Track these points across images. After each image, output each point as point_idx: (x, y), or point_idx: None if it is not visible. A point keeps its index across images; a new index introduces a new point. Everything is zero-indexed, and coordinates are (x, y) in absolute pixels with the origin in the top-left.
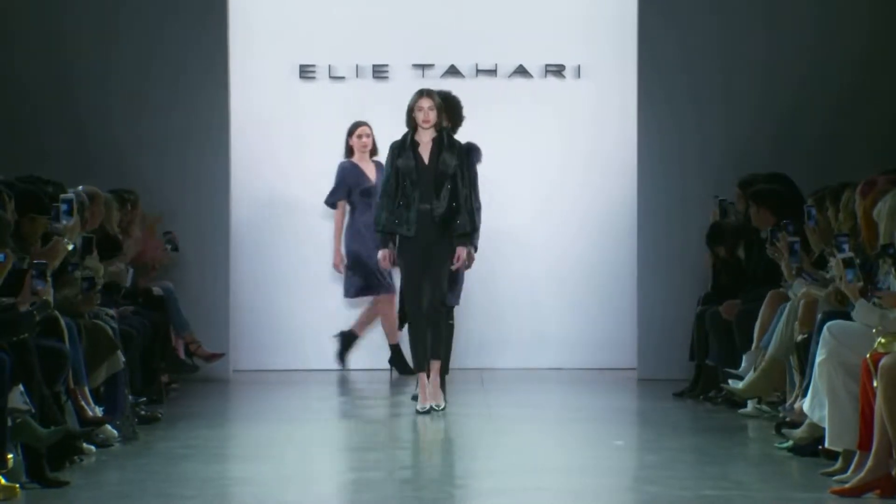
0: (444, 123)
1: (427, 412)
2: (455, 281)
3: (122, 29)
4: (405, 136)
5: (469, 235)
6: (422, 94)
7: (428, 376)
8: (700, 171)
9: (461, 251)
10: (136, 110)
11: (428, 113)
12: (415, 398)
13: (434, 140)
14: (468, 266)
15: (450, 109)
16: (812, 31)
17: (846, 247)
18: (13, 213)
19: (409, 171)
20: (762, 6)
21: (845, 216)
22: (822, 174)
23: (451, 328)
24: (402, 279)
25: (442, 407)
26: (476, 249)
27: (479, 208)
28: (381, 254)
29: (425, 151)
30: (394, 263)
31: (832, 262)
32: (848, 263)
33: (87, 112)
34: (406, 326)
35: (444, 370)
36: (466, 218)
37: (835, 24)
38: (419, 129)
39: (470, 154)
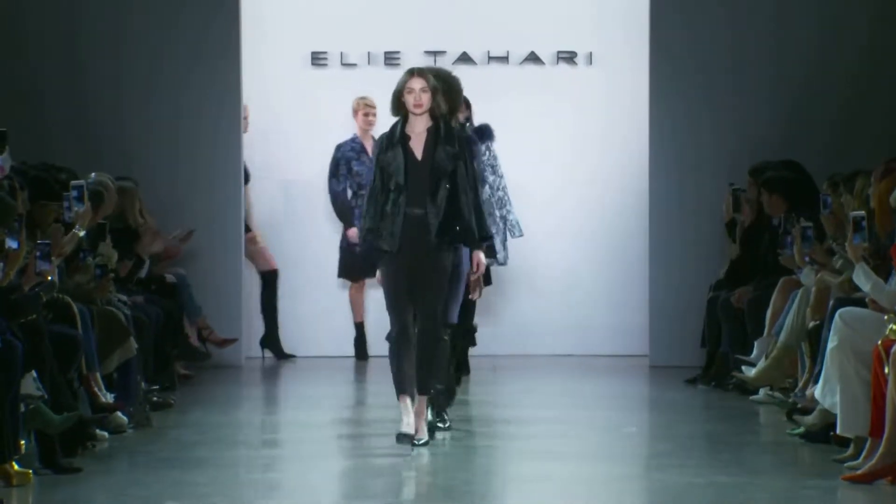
0: (443, 108)
1: (408, 439)
2: (454, 296)
3: (135, 17)
4: (394, 127)
5: (478, 240)
6: (412, 73)
7: (412, 401)
8: (712, 159)
9: (477, 257)
10: (148, 98)
11: (420, 96)
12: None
13: (429, 130)
14: (478, 286)
15: (447, 91)
16: (821, 18)
17: (864, 224)
18: (25, 203)
19: (396, 169)
20: None
21: (859, 203)
22: (835, 161)
23: (446, 347)
24: (384, 295)
25: (423, 441)
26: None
27: (491, 213)
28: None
29: (418, 145)
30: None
31: (838, 252)
32: (857, 226)
33: (98, 99)
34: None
35: (456, 381)
36: (472, 221)
37: (844, 8)
38: (410, 116)
39: (471, 145)
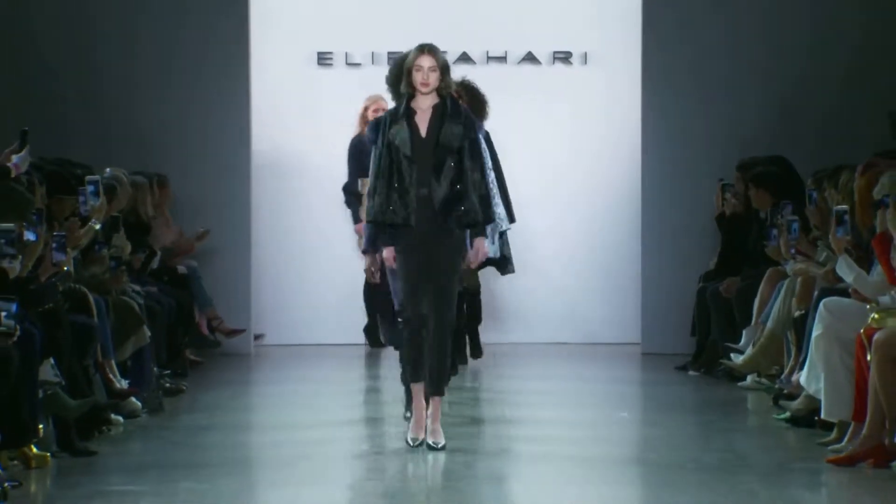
0: (451, 88)
1: (419, 445)
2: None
3: (147, 19)
4: (398, 104)
5: (481, 225)
6: (422, 49)
7: (426, 401)
8: (702, 155)
9: (479, 243)
10: (160, 96)
11: (428, 74)
12: (407, 418)
13: (435, 107)
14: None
15: (471, 102)
16: (811, 18)
17: (847, 218)
18: (43, 198)
19: (403, 143)
20: None
21: (843, 197)
22: (820, 157)
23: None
24: (398, 282)
25: (441, 445)
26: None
27: (495, 195)
28: (386, 253)
29: (423, 121)
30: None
31: (822, 244)
32: (840, 219)
33: (112, 98)
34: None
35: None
36: (475, 204)
37: (832, 13)
38: (417, 94)
39: (477, 127)
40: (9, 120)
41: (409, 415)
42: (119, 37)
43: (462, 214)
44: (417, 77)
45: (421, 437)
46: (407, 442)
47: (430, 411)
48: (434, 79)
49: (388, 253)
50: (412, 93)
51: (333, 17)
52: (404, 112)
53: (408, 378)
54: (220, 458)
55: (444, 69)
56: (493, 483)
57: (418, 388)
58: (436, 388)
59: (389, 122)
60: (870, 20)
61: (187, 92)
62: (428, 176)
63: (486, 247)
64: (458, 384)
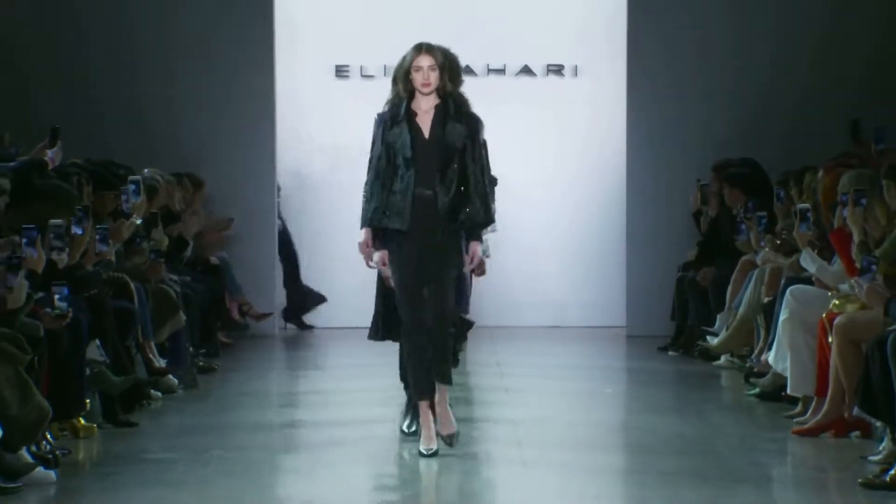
0: (449, 88)
1: (434, 454)
2: (461, 284)
3: (183, 33)
4: (398, 104)
5: (482, 226)
6: (420, 49)
7: (433, 408)
8: (681, 157)
9: (475, 247)
10: (195, 104)
11: (428, 74)
12: (414, 433)
13: (437, 108)
14: (481, 272)
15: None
16: (777, 34)
17: (809, 215)
18: (89, 195)
19: (402, 145)
20: (734, 14)
21: (807, 195)
22: (787, 159)
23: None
24: (395, 285)
25: (451, 440)
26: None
27: (492, 192)
28: (376, 256)
29: (425, 122)
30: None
31: (788, 238)
32: (803, 216)
33: (152, 105)
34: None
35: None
36: (479, 206)
37: (799, 24)
38: (416, 94)
39: (479, 125)
40: (61, 125)
41: (408, 430)
42: (159, 50)
43: (465, 217)
44: (418, 77)
45: (434, 447)
46: (420, 452)
47: (437, 398)
48: (434, 78)
49: (379, 256)
50: (411, 92)
51: (350, 33)
52: (405, 114)
53: (414, 396)
54: (248, 429)
55: (443, 68)
56: (489, 443)
57: (425, 405)
58: (441, 378)
59: (389, 125)
60: (833, 34)
61: (219, 100)
62: (432, 177)
63: (479, 251)
64: (466, 367)
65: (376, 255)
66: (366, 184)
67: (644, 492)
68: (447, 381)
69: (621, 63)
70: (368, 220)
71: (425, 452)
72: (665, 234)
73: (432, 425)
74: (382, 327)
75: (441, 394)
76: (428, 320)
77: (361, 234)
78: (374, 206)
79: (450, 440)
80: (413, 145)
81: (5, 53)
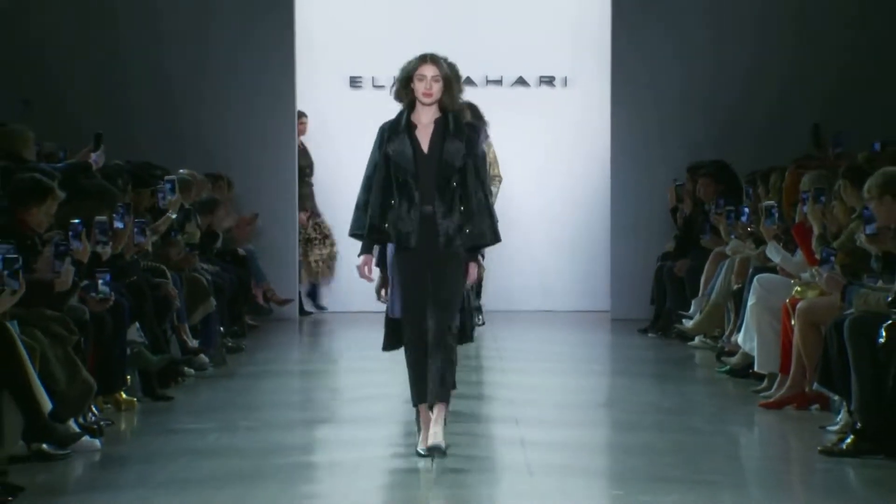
0: (455, 103)
1: (429, 455)
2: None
3: (211, 45)
4: (399, 116)
5: (488, 246)
6: (425, 58)
7: (432, 408)
8: (660, 159)
9: (473, 269)
10: (223, 109)
11: (431, 84)
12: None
13: (437, 122)
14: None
15: (473, 117)
16: (748, 49)
17: (775, 211)
18: (129, 193)
19: (405, 160)
20: (709, 29)
21: (773, 193)
22: (757, 160)
23: (455, 351)
24: (398, 295)
25: (444, 448)
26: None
27: (492, 205)
28: (361, 260)
29: (424, 136)
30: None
31: (755, 231)
32: (768, 212)
33: (184, 111)
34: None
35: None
36: (485, 226)
37: (767, 39)
38: (417, 105)
39: (477, 134)
40: (104, 129)
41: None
42: (190, 62)
43: (469, 237)
44: (420, 87)
45: (435, 443)
46: (418, 452)
47: (433, 415)
48: (437, 89)
49: (363, 261)
50: (412, 102)
51: (363, 46)
52: (405, 126)
53: (413, 399)
54: (273, 402)
55: (446, 80)
56: (481, 419)
57: (424, 408)
58: (438, 395)
59: (389, 136)
60: (800, 46)
61: (245, 107)
62: (431, 193)
63: (475, 270)
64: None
65: (360, 260)
66: (360, 191)
67: (628, 458)
68: (444, 399)
69: (606, 75)
70: (368, 228)
71: (422, 452)
72: (645, 228)
73: (429, 430)
74: (395, 338)
75: (438, 411)
76: (432, 335)
77: (359, 260)
78: (370, 217)
79: (431, 452)
80: (414, 159)
81: (46, 67)
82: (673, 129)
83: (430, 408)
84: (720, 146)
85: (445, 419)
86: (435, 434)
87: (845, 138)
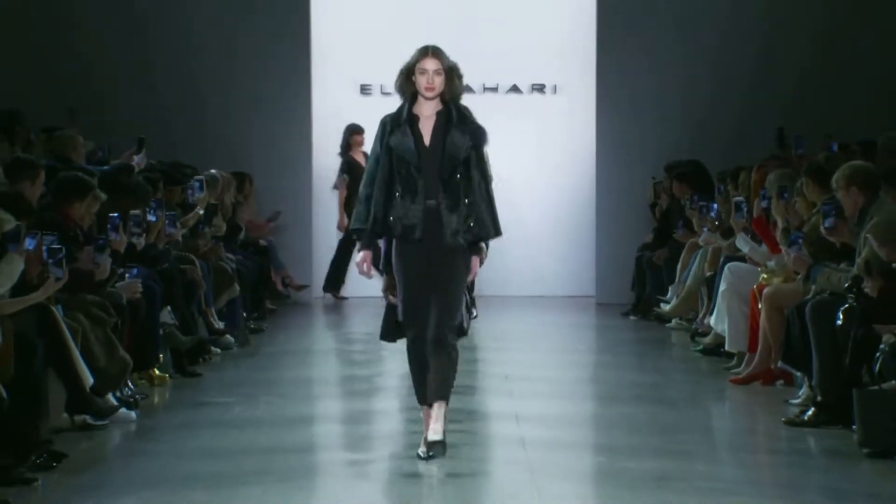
0: (456, 94)
1: (429, 458)
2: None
3: (238, 56)
4: (401, 108)
5: (491, 239)
6: (427, 51)
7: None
8: (640, 158)
9: (475, 263)
10: (248, 115)
11: (433, 78)
12: (432, 456)
13: (439, 114)
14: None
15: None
16: (720, 57)
17: (744, 206)
18: (161, 190)
19: (408, 152)
20: (683, 44)
21: (742, 190)
22: (728, 159)
23: (456, 352)
24: (399, 293)
25: (443, 444)
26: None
27: (493, 198)
28: (359, 257)
29: (426, 128)
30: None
31: (726, 224)
32: (737, 207)
33: (212, 116)
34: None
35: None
36: (487, 219)
37: (736, 47)
38: (419, 99)
39: (482, 134)
40: (141, 132)
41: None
42: (216, 70)
43: (471, 230)
44: (422, 81)
45: (436, 439)
46: (418, 455)
47: (433, 412)
48: (439, 83)
49: (362, 257)
50: (414, 95)
51: (372, 57)
52: (406, 118)
53: (417, 399)
54: (292, 379)
55: (449, 73)
56: (476, 393)
57: (426, 409)
58: (439, 395)
59: (391, 128)
60: (768, 53)
61: (267, 112)
62: (435, 186)
63: (477, 264)
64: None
65: (359, 256)
66: (362, 185)
67: (610, 429)
68: (444, 397)
69: (591, 83)
70: (371, 222)
71: (422, 455)
72: (627, 221)
73: (430, 431)
74: (395, 329)
75: (438, 409)
76: (432, 332)
77: (358, 256)
78: (375, 212)
79: (430, 448)
80: (417, 152)
81: (90, 79)
82: (651, 131)
83: (431, 405)
84: (694, 147)
85: (446, 416)
86: (435, 431)
87: (806, 141)
